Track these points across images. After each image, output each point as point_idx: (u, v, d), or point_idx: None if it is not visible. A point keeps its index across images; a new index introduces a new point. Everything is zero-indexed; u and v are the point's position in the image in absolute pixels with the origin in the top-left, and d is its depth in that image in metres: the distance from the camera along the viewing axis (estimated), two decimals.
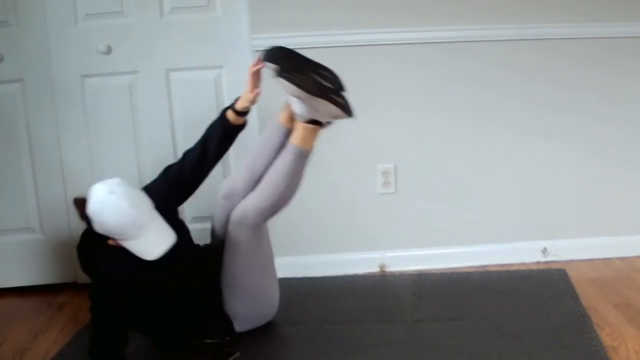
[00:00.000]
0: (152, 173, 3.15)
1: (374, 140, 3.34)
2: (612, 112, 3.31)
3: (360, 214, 3.39)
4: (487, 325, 2.76)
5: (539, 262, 3.39)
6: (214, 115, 3.35)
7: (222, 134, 2.77)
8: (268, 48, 2.71)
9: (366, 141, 3.34)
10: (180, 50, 3.31)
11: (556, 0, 3.21)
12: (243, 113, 2.76)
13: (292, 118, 2.77)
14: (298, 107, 2.67)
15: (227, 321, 2.74)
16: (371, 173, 3.37)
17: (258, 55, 2.74)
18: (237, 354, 2.59)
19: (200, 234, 3.02)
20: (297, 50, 2.73)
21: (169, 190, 2.74)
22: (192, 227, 3.42)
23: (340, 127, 3.31)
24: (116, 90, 3.34)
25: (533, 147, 3.34)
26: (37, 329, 3.02)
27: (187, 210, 3.44)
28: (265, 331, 2.82)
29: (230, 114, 2.76)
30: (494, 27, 3.22)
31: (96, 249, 2.57)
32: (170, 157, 3.36)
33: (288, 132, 2.77)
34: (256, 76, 2.74)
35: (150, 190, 2.71)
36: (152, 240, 2.49)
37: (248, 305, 2.75)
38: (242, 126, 2.79)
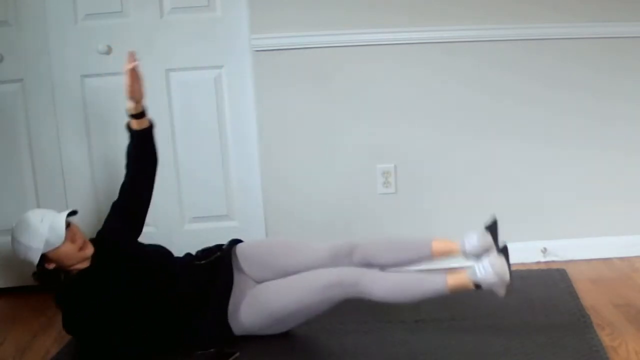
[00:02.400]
0: None
1: (374, 140, 3.34)
2: (612, 112, 3.31)
3: (360, 214, 3.39)
4: (487, 325, 2.75)
5: (539, 262, 3.39)
6: (214, 115, 3.38)
7: (135, 143, 2.81)
8: (493, 220, 2.74)
9: (366, 141, 3.34)
10: (180, 50, 3.31)
11: (556, 0, 3.21)
12: (139, 114, 2.78)
13: (439, 256, 2.76)
14: (483, 273, 2.58)
15: (222, 329, 2.70)
16: (371, 173, 3.37)
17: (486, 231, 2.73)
18: (237, 354, 2.59)
19: (200, 234, 3.02)
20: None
21: (123, 223, 2.82)
22: (192, 227, 3.44)
23: (340, 127, 3.32)
24: (116, 90, 3.32)
25: (533, 147, 3.33)
26: (37, 329, 3.02)
27: (187, 210, 3.45)
28: None
29: (131, 123, 2.79)
30: (494, 27, 3.22)
31: (71, 291, 2.68)
32: (170, 156, 3.37)
33: (428, 258, 2.76)
34: (133, 74, 2.73)
35: (107, 230, 2.83)
36: (53, 225, 2.64)
37: (262, 325, 2.71)
38: (150, 127, 2.82)
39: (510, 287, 2.59)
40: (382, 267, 2.74)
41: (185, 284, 2.71)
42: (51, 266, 2.68)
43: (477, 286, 2.59)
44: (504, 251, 2.62)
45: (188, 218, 3.45)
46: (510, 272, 2.58)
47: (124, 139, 3.35)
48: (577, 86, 3.28)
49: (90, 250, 2.72)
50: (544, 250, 3.39)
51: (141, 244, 2.87)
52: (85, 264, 2.71)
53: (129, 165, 2.85)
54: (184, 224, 3.46)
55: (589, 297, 2.97)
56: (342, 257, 2.75)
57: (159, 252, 2.84)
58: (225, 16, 3.29)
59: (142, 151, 2.83)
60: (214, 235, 3.08)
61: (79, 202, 3.37)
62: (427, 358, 2.56)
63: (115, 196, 2.89)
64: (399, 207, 3.38)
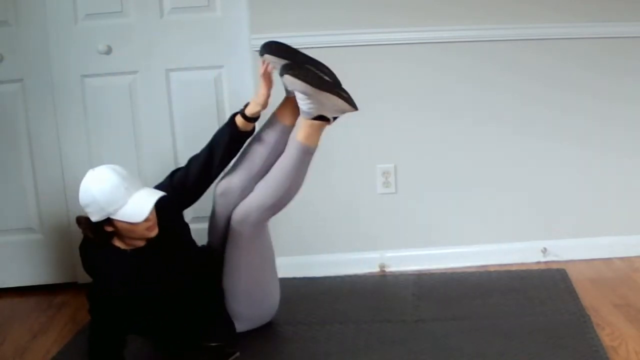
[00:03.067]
0: (152, 173, 3.17)
1: (374, 140, 3.34)
2: (612, 112, 3.31)
3: (360, 214, 3.39)
4: (487, 325, 2.76)
5: (539, 262, 3.39)
6: (214, 115, 3.37)
7: (230, 140, 2.74)
8: (263, 43, 2.70)
9: (366, 141, 3.34)
10: (180, 50, 3.31)
11: (556, 0, 3.21)
12: (253, 119, 2.73)
13: (290, 115, 2.76)
14: (304, 104, 2.65)
15: (228, 322, 2.74)
16: (371, 173, 3.37)
17: (260, 56, 2.73)
18: (237, 353, 2.59)
19: (200, 234, 3.02)
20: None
21: (174, 194, 2.70)
22: (192, 227, 3.43)
23: (340, 127, 3.31)
24: (116, 90, 3.34)
25: (533, 147, 3.33)
26: (37, 329, 3.02)
27: (187, 210, 3.44)
28: (265, 331, 2.82)
29: (239, 120, 2.73)
30: (494, 27, 3.22)
31: (100, 251, 2.57)
32: (170, 157, 3.37)
33: (286, 129, 2.77)
34: (267, 79, 2.71)
35: (168, 201, 2.69)
36: (138, 200, 2.47)
37: (249, 304, 2.75)
38: (250, 132, 2.77)
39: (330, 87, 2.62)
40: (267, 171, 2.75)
41: (205, 277, 2.74)
42: (109, 229, 2.52)
43: (321, 118, 2.65)
44: (283, 69, 2.60)
45: (188, 218, 3.44)
46: (306, 77, 2.58)
47: (124, 139, 3.37)
48: (577, 86, 3.28)
49: (155, 232, 2.56)
50: (544, 250, 3.40)
51: (193, 241, 2.83)
52: (141, 243, 2.58)
53: (213, 154, 2.73)
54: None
55: (589, 297, 2.97)
56: (233, 190, 2.77)
57: (198, 248, 2.84)
58: (225, 16, 3.29)
59: (232, 149, 2.77)
60: None
61: (78, 202, 3.37)
62: (427, 358, 2.56)
63: None
64: (399, 207, 3.38)
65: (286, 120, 2.77)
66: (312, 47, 3.14)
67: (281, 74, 2.62)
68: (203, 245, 2.88)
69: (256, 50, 3.21)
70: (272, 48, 2.68)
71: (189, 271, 2.68)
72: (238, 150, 2.79)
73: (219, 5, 3.29)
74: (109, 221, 2.49)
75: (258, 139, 2.80)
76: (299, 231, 3.38)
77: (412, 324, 2.82)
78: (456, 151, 3.34)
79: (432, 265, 3.39)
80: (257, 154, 2.78)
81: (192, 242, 2.82)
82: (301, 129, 2.70)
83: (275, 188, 2.70)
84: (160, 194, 2.52)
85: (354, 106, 2.68)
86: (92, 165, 3.33)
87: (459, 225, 3.40)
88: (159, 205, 2.54)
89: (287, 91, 2.75)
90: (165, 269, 2.60)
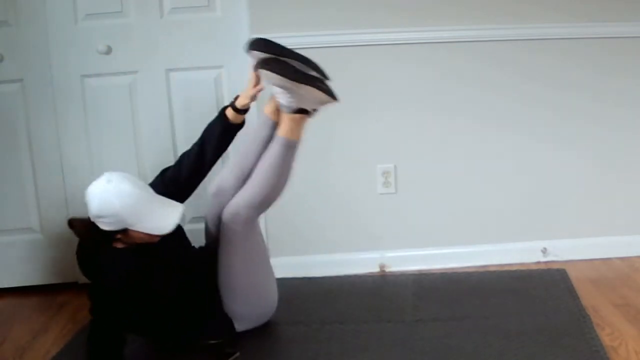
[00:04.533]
0: (152, 173, 3.15)
1: (374, 140, 3.34)
2: (612, 112, 3.31)
3: (360, 214, 3.39)
4: (487, 325, 2.76)
5: (539, 262, 3.39)
6: (214, 115, 3.35)
7: (221, 133, 2.75)
8: (249, 40, 2.71)
9: (366, 141, 3.34)
10: (180, 50, 3.31)
11: (556, 0, 3.21)
12: (243, 111, 2.75)
13: (277, 111, 2.76)
14: (283, 98, 2.66)
15: (227, 321, 2.74)
16: (371, 173, 3.37)
17: (246, 52, 2.73)
18: (237, 353, 2.59)
19: (199, 234, 3.02)
20: (298, 51, 2.73)
21: (166, 192, 2.69)
22: (190, 227, 3.43)
23: (340, 127, 3.32)
24: (116, 90, 3.34)
25: (533, 147, 3.34)
26: (37, 329, 3.02)
27: (187, 210, 3.44)
28: (265, 331, 2.82)
29: (229, 112, 2.75)
30: (494, 27, 3.22)
31: (100, 252, 2.56)
32: (170, 157, 3.37)
33: (275, 125, 2.77)
34: (258, 74, 2.72)
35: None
36: (161, 213, 2.51)
37: (246, 303, 2.75)
38: (240, 125, 2.78)
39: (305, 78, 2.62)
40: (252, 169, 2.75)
41: (203, 277, 2.74)
42: (118, 236, 2.51)
43: (301, 111, 2.67)
44: (257, 65, 2.62)
45: (188, 218, 3.45)
46: (281, 70, 2.59)
47: (124, 139, 3.37)
48: (578, 86, 3.28)
49: (157, 239, 2.56)
50: (544, 250, 3.40)
51: (191, 246, 2.85)
52: (140, 242, 2.57)
53: (204, 148, 2.74)
54: (183, 224, 3.45)
55: (589, 297, 2.97)
56: (226, 189, 2.78)
57: (194, 250, 2.85)
58: (225, 16, 3.29)
59: (224, 142, 2.78)
60: None
61: (79, 202, 3.36)
62: (427, 358, 2.56)
63: None
64: (399, 207, 3.38)
65: (273, 116, 2.77)
66: (312, 47, 3.14)
67: (256, 69, 2.63)
68: (200, 246, 2.88)
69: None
70: (258, 44, 2.69)
71: (187, 270, 2.68)
72: (229, 143, 2.80)
73: (219, 5, 3.29)
74: (122, 231, 2.50)
75: (248, 137, 2.81)
76: (299, 231, 3.38)
77: (412, 324, 2.82)
78: (456, 151, 3.34)
79: (432, 265, 3.39)
80: (248, 151, 2.79)
81: (188, 241, 2.82)
82: (282, 124, 2.71)
83: (262, 185, 2.70)
84: (181, 207, 2.56)
85: (333, 97, 2.67)
86: (92, 165, 3.37)
87: (459, 225, 3.40)
88: None
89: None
90: (164, 268, 2.61)
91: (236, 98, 2.77)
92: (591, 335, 2.62)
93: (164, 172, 2.79)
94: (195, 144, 2.78)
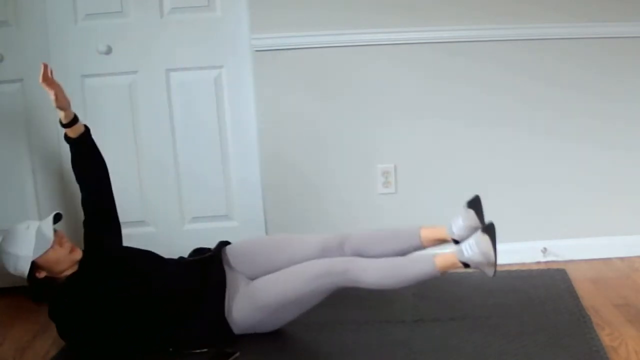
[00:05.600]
0: (151, 173, 3.16)
1: (374, 140, 3.34)
2: (612, 112, 3.31)
3: (360, 214, 3.39)
4: (487, 325, 2.75)
5: (539, 262, 3.39)
6: (213, 115, 3.38)
7: (79, 151, 2.81)
8: (477, 197, 2.74)
9: (366, 141, 3.34)
10: (180, 50, 3.31)
11: (556, 0, 3.21)
12: (69, 123, 2.78)
13: (431, 243, 2.76)
14: (472, 254, 2.60)
15: (222, 327, 2.70)
16: (371, 173, 3.37)
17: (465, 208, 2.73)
18: (237, 354, 2.59)
19: (199, 234, 3.02)
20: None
21: (97, 225, 2.83)
22: (192, 227, 3.44)
23: (340, 127, 3.32)
24: (116, 90, 3.34)
25: (533, 147, 3.34)
26: (37, 329, 3.02)
27: (187, 210, 3.45)
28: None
29: (68, 132, 2.80)
30: (494, 27, 3.22)
31: (57, 297, 2.68)
32: (170, 156, 3.37)
33: (418, 248, 2.77)
34: (48, 82, 2.72)
35: (91, 237, 2.84)
36: (40, 230, 2.65)
37: (256, 321, 2.71)
38: (86, 132, 2.82)
39: (493, 265, 2.60)
40: (373, 258, 2.74)
41: (179, 282, 2.71)
42: (42, 275, 2.68)
43: (466, 265, 2.62)
44: (489, 229, 2.61)
45: (188, 218, 3.45)
46: (495, 250, 2.58)
47: (124, 139, 3.37)
48: (577, 86, 3.28)
49: (79, 253, 2.72)
50: (544, 250, 3.39)
51: (129, 247, 2.87)
52: (73, 269, 2.71)
53: (80, 176, 2.85)
54: (184, 224, 3.46)
55: (589, 297, 2.97)
56: (332, 250, 2.77)
57: (147, 254, 2.84)
58: (225, 16, 3.29)
59: (88, 157, 2.84)
60: (214, 235, 3.08)
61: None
62: (427, 358, 2.56)
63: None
64: (399, 207, 3.38)
65: (426, 243, 2.77)
66: (312, 47, 3.15)
67: (483, 231, 2.60)
68: (203, 248, 2.87)
69: (256, 50, 3.23)
70: (478, 205, 2.73)
71: (135, 281, 2.70)
72: (90, 151, 2.84)
73: (219, 5, 3.29)
74: (37, 267, 2.64)
75: (391, 233, 2.83)
76: (299, 231, 3.37)
77: (412, 324, 2.82)
78: (456, 151, 3.34)
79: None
80: (380, 244, 2.78)
81: (154, 259, 2.84)
82: (445, 261, 2.64)
83: (391, 281, 2.66)
84: (51, 215, 2.69)
85: (494, 274, 2.63)
86: None
87: None
88: (102, 243, 2.77)
89: (452, 233, 2.73)
90: (110, 281, 2.67)
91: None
92: (591, 335, 2.62)
93: (85, 224, 2.89)
94: (80, 186, 2.88)
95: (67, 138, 2.81)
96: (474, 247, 2.59)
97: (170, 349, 2.64)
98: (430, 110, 3.32)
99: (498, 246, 3.44)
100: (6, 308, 3.30)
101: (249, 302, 2.69)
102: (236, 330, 2.70)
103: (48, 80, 2.71)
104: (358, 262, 2.68)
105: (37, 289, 2.71)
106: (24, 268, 2.65)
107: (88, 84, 3.33)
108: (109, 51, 3.28)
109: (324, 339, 2.75)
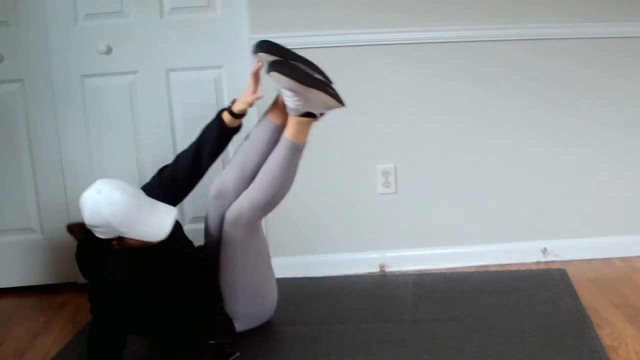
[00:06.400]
0: (152, 173, 3.15)
1: (374, 140, 3.34)
2: (611, 112, 3.31)
3: (360, 214, 3.39)
4: (487, 325, 2.76)
5: (539, 262, 3.39)
6: (213, 115, 3.36)
7: (217, 136, 2.75)
8: (256, 42, 2.71)
9: (366, 141, 3.34)
10: (180, 50, 3.31)
11: (556, 0, 3.21)
12: (239, 115, 2.74)
13: (281, 114, 2.76)
14: (291, 101, 2.65)
15: (227, 321, 2.74)
16: (371, 173, 3.37)
17: (253, 54, 2.73)
18: (237, 353, 2.59)
19: (200, 233, 3.01)
20: (298, 51, 2.73)
21: (164, 191, 2.69)
22: (191, 227, 3.43)
23: (340, 127, 3.32)
24: (116, 90, 3.34)
25: (533, 147, 3.34)
26: (37, 329, 3.02)
27: (187, 210, 3.45)
28: (265, 331, 2.82)
29: (226, 116, 2.74)
30: (494, 27, 3.22)
31: (100, 254, 2.56)
32: (170, 156, 3.36)
33: (277, 128, 2.76)
34: (256, 78, 2.73)
35: (145, 190, 2.68)
36: (155, 219, 2.48)
37: (247, 303, 2.75)
38: (237, 129, 2.78)
39: (322, 87, 2.62)
40: (256, 173, 2.74)
41: (202, 277, 2.75)
42: (114, 242, 2.52)
43: (310, 114, 2.66)
44: (271, 66, 2.59)
45: (188, 218, 3.46)
46: (291, 75, 2.58)
47: (124, 139, 3.37)
48: (578, 86, 3.28)
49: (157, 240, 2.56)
50: (544, 250, 3.40)
51: (184, 235, 2.83)
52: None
53: (201, 149, 2.74)
54: (184, 224, 3.45)
55: (589, 297, 2.97)
56: (228, 194, 2.77)
57: (195, 247, 2.85)
58: (225, 16, 3.29)
59: (220, 144, 2.77)
60: None
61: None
62: (427, 358, 2.56)
63: None
64: (399, 207, 3.39)
65: (277, 119, 2.77)
66: (312, 47, 3.14)
67: (268, 71, 2.62)
68: (200, 246, 2.88)
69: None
70: (265, 46, 2.68)
71: (188, 269, 2.68)
72: (225, 146, 2.80)
73: (219, 5, 3.29)
74: (118, 238, 2.49)
75: (250, 139, 2.81)
76: (299, 231, 3.38)
77: (412, 324, 2.82)
78: (456, 151, 3.34)
79: (432, 265, 3.39)
80: (250, 154, 2.78)
81: (188, 240, 2.82)
82: (289, 127, 2.70)
83: (266, 187, 2.70)
84: (175, 212, 2.53)
85: (340, 102, 2.68)
86: (92, 164, 3.37)
87: (459, 225, 3.40)
88: None
89: (280, 92, 2.74)
90: (165, 268, 2.61)
91: (234, 101, 2.76)
92: (591, 335, 2.62)
93: (162, 170, 2.78)
94: (192, 145, 2.77)
95: (220, 121, 2.74)
96: (287, 94, 2.62)
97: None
98: (430, 110, 3.32)
99: (498, 246, 3.46)
100: (6, 308, 3.30)
101: (230, 290, 2.74)
102: (238, 324, 2.74)
103: (257, 73, 2.71)
104: (239, 199, 2.71)
105: (96, 240, 2.51)
106: (104, 234, 2.47)
107: (88, 84, 3.33)
108: (109, 51, 3.28)
109: (324, 339, 2.75)
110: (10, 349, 2.87)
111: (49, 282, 3.45)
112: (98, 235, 2.50)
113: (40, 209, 3.41)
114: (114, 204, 2.44)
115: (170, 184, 2.74)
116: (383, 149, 3.35)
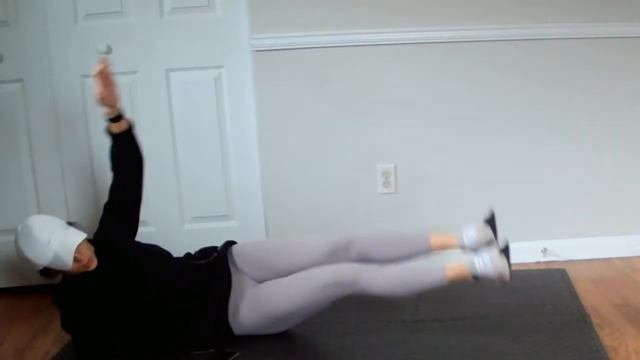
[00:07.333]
0: (151, 173, 3.15)
1: (374, 140, 3.34)
2: (611, 112, 3.31)
3: (360, 214, 3.39)
4: (487, 325, 2.75)
5: (539, 262, 3.39)
6: (213, 115, 3.38)
7: (118, 146, 2.80)
8: (491, 213, 2.78)
9: (366, 141, 3.34)
10: (180, 50, 3.31)
11: (556, 0, 3.21)
12: (117, 118, 2.77)
13: (440, 248, 2.80)
14: (482, 267, 2.62)
15: (223, 329, 2.70)
16: (371, 173, 3.37)
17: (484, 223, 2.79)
18: (237, 354, 2.59)
19: (200, 233, 3.02)
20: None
21: (117, 222, 2.81)
22: (191, 227, 3.44)
23: (340, 127, 3.32)
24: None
25: (533, 147, 3.33)
26: (37, 329, 3.02)
27: (187, 210, 3.45)
28: None
29: (111, 127, 2.78)
30: (494, 27, 3.22)
31: (70, 285, 2.70)
32: (170, 156, 3.37)
33: (426, 252, 2.80)
34: (101, 78, 2.71)
35: (103, 230, 2.81)
36: (60, 249, 2.62)
37: (262, 325, 2.71)
38: (130, 128, 2.81)
39: (509, 283, 2.63)
40: (380, 262, 2.74)
41: (184, 283, 2.71)
42: (52, 272, 2.70)
43: (476, 278, 2.63)
44: (505, 251, 2.62)
45: (188, 218, 3.45)
46: (511, 271, 2.60)
47: None
48: (578, 86, 3.28)
49: (94, 264, 2.67)
50: (544, 250, 3.39)
51: (138, 243, 2.86)
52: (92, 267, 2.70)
53: (115, 168, 2.84)
54: (184, 224, 3.46)
55: (589, 297, 2.97)
56: (339, 253, 2.76)
57: (157, 252, 2.84)
58: (225, 16, 3.29)
59: (126, 153, 2.82)
60: (214, 235, 3.09)
61: (79, 202, 3.38)
62: (427, 358, 2.56)
63: None
64: (399, 207, 3.38)
65: (435, 249, 2.81)
66: (312, 47, 3.15)
67: (501, 253, 2.62)
68: (207, 248, 2.86)
69: (256, 50, 3.23)
70: (494, 220, 2.75)
71: (145, 278, 2.70)
72: (132, 150, 2.83)
73: (219, 5, 3.29)
74: (49, 268, 2.66)
75: (399, 237, 2.84)
76: (299, 231, 3.38)
77: (412, 324, 2.82)
78: (456, 151, 3.34)
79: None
80: (388, 247, 2.80)
81: (165, 257, 2.84)
82: (456, 272, 2.65)
83: (400, 289, 2.65)
84: (79, 237, 2.65)
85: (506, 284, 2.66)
86: (92, 165, 3.38)
87: (459, 225, 3.39)
88: (117, 239, 2.76)
89: (463, 244, 2.77)
90: (120, 279, 2.68)
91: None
92: (591, 335, 2.62)
93: (106, 207, 2.86)
94: (113, 174, 2.85)
95: (109, 132, 2.80)
96: (487, 264, 2.61)
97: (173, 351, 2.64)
98: (430, 110, 3.31)
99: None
100: (6, 308, 3.30)
101: (256, 308, 2.69)
102: (238, 332, 2.70)
103: (102, 75, 2.70)
104: (367, 271, 2.66)
105: (49, 273, 2.71)
106: (36, 268, 2.67)
107: (88, 84, 3.32)
108: (109, 51, 3.27)
109: (324, 339, 2.75)
110: (10, 349, 2.87)
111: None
112: (37, 268, 2.66)
113: (40, 209, 3.40)
114: (28, 235, 2.64)
115: (117, 210, 2.82)
116: (383, 149, 3.35)
